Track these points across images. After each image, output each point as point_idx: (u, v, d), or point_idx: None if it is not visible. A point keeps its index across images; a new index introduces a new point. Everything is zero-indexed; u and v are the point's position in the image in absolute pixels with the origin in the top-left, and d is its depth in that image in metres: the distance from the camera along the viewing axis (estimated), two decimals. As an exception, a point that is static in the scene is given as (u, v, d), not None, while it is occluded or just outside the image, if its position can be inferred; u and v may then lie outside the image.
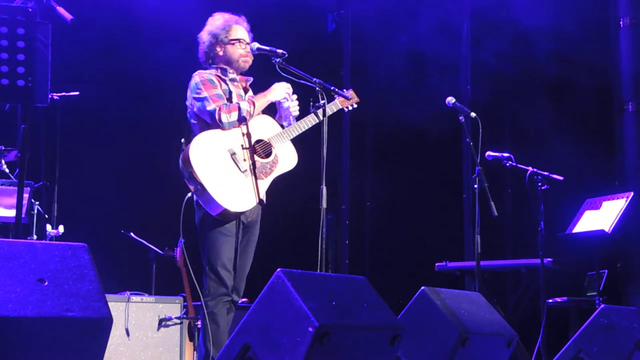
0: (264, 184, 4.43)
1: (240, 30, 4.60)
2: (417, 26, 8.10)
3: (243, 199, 4.33)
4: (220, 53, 4.56)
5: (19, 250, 2.77)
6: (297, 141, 4.63)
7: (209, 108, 4.36)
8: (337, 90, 4.49)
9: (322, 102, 4.32)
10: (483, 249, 5.33)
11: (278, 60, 4.37)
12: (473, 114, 5.39)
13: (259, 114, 4.52)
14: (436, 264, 6.98)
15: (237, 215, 4.36)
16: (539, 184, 5.74)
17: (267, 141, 4.51)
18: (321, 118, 4.39)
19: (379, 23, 8.58)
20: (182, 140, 4.50)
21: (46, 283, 2.73)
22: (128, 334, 5.99)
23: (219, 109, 4.34)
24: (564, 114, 7.73)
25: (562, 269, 6.37)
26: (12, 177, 5.95)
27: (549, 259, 6.07)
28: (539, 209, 5.69)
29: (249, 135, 4.42)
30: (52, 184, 6.27)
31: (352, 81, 8.69)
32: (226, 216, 4.32)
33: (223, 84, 4.50)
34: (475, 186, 5.31)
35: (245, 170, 4.35)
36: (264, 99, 4.52)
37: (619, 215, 5.72)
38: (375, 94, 8.54)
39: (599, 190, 6.25)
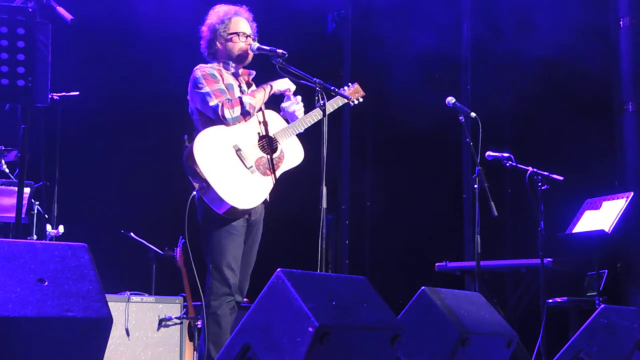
0: (271, 180, 4.37)
1: (241, 22, 4.53)
2: (417, 26, 8.10)
3: (249, 196, 4.27)
4: (220, 48, 4.51)
5: (19, 250, 2.77)
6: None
7: (211, 104, 4.30)
8: (337, 90, 4.48)
9: (322, 102, 4.30)
10: (483, 249, 5.33)
11: (278, 60, 4.35)
12: (473, 114, 5.39)
13: (262, 107, 4.47)
14: (436, 264, 6.98)
15: (244, 213, 4.32)
16: (539, 184, 5.74)
17: (273, 137, 4.45)
18: (326, 113, 4.38)
19: (379, 23, 8.58)
20: (185, 137, 4.45)
21: (46, 283, 2.73)
22: (128, 334, 5.99)
23: (222, 105, 4.27)
24: (564, 113, 7.73)
25: (562, 269, 6.37)
26: (12, 177, 5.95)
27: (549, 259, 6.07)
28: (539, 209, 5.69)
29: (265, 123, 4.37)
30: (52, 184, 6.27)
31: (352, 81, 8.67)
32: (233, 214, 4.25)
33: (225, 78, 4.44)
34: (475, 186, 5.31)
35: (251, 167, 4.30)
36: (265, 91, 4.46)
37: (619, 215, 5.72)
38: (375, 94, 8.54)
39: (599, 190, 6.25)
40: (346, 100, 4.66)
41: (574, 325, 6.40)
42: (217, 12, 4.56)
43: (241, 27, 4.52)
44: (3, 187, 5.87)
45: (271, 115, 4.52)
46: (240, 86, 4.51)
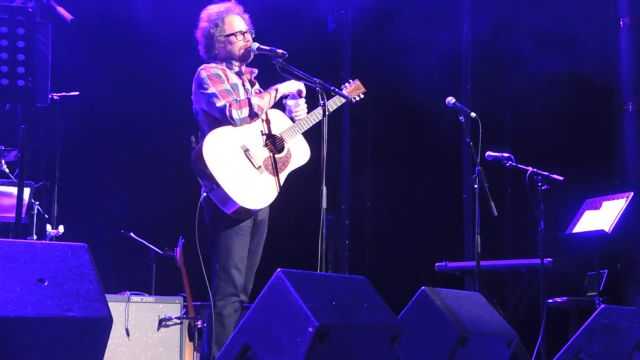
0: (280, 179, 4.36)
1: (235, 20, 4.47)
2: (417, 26, 8.10)
3: (259, 196, 4.26)
4: (220, 50, 4.47)
5: (19, 250, 2.77)
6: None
7: (218, 104, 4.27)
8: (337, 90, 4.48)
9: (322, 102, 4.30)
10: (483, 249, 5.32)
11: (278, 60, 4.34)
12: (473, 114, 5.39)
13: (268, 105, 4.44)
14: (436, 264, 6.98)
15: (252, 214, 4.31)
16: (539, 184, 5.73)
17: (280, 136, 4.44)
18: (330, 110, 4.37)
19: (379, 23, 8.58)
20: (192, 138, 4.43)
21: (46, 283, 2.73)
22: (128, 334, 5.99)
23: (230, 105, 4.24)
24: (564, 113, 7.73)
25: (562, 269, 6.37)
26: (12, 177, 5.95)
27: (549, 259, 6.07)
28: (539, 209, 5.69)
29: (271, 122, 4.36)
30: (52, 184, 6.27)
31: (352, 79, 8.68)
32: (241, 214, 4.25)
33: (230, 77, 4.41)
34: (475, 186, 5.31)
35: (260, 167, 4.29)
36: (271, 95, 4.42)
37: (619, 215, 5.72)
38: (375, 94, 8.54)
39: (599, 190, 6.25)
40: (348, 97, 4.66)
41: (574, 325, 6.40)
42: (209, 15, 4.49)
43: (236, 26, 4.46)
44: (3, 187, 5.87)
45: (277, 115, 4.51)
46: (244, 85, 4.50)
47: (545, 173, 5.78)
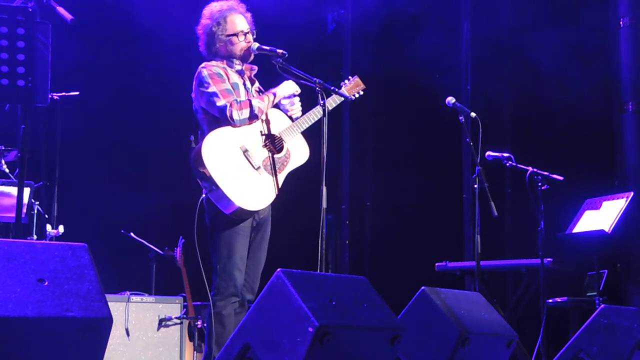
0: (279, 179, 4.36)
1: (238, 20, 4.46)
2: (416, 26, 8.10)
3: (258, 197, 4.27)
4: (221, 49, 4.46)
5: (19, 250, 2.77)
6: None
7: (218, 104, 4.27)
8: (337, 90, 4.48)
9: (322, 101, 4.29)
10: (483, 249, 5.32)
11: (278, 60, 4.34)
12: (473, 114, 5.39)
13: (267, 108, 4.43)
14: (436, 264, 6.98)
15: (252, 214, 4.31)
16: (539, 184, 5.73)
17: (279, 135, 4.44)
18: (329, 109, 4.37)
19: (378, 23, 8.58)
20: (191, 138, 4.43)
21: (46, 283, 2.73)
22: (128, 334, 5.99)
23: (230, 106, 4.24)
24: (564, 113, 7.73)
25: (562, 269, 6.37)
26: (12, 177, 5.95)
27: (549, 259, 6.07)
28: (539, 209, 5.69)
29: (270, 122, 4.36)
30: (52, 184, 6.27)
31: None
32: (240, 215, 4.25)
33: (231, 76, 4.41)
34: (475, 186, 5.31)
35: (259, 167, 4.30)
36: (269, 99, 4.42)
37: (619, 215, 5.72)
38: (375, 94, 8.54)
39: (599, 190, 6.25)
40: (347, 95, 4.67)
41: (574, 325, 6.40)
42: (211, 12, 4.48)
43: (239, 26, 4.46)
44: (3, 187, 5.87)
45: (276, 114, 4.51)
46: (244, 84, 4.49)
47: (545, 173, 5.77)
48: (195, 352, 6.24)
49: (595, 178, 7.15)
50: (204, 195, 4.31)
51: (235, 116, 4.26)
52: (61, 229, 6.09)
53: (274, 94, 4.47)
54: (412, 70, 8.09)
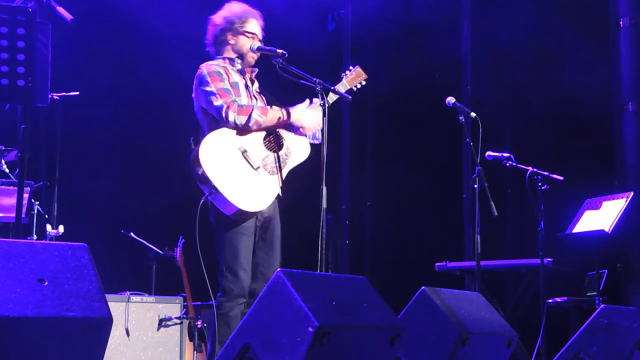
0: (281, 177, 4.35)
1: (256, 26, 4.50)
2: (416, 26, 8.10)
3: (258, 197, 4.25)
4: (231, 41, 4.46)
5: (19, 250, 2.77)
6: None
7: (215, 103, 4.25)
8: (337, 90, 4.47)
9: (322, 102, 4.29)
10: (483, 249, 5.32)
11: (278, 60, 4.33)
12: (473, 114, 5.39)
13: (267, 125, 4.36)
14: (436, 264, 6.98)
15: (254, 214, 4.29)
16: (539, 184, 5.73)
17: (279, 133, 4.41)
18: (329, 103, 4.35)
19: (379, 23, 8.58)
20: (192, 139, 4.41)
21: (46, 283, 2.73)
22: (128, 334, 5.99)
23: (227, 107, 4.22)
24: (564, 113, 7.73)
25: (562, 269, 6.37)
26: (12, 177, 5.95)
27: (549, 259, 6.07)
28: (539, 209, 5.69)
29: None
30: (52, 184, 6.26)
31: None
32: (242, 216, 4.24)
33: (231, 75, 4.39)
34: (475, 186, 5.31)
35: (258, 167, 4.28)
36: (282, 116, 4.36)
37: (619, 215, 5.72)
38: (375, 94, 8.54)
39: (599, 190, 6.25)
40: (348, 87, 4.67)
41: (574, 325, 6.40)
42: (235, 8, 4.51)
43: (255, 30, 4.50)
44: (3, 187, 5.87)
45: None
46: (245, 84, 4.48)
47: (545, 173, 5.77)
48: (195, 352, 6.24)
49: (595, 178, 7.15)
50: (203, 199, 4.31)
51: (231, 118, 4.23)
52: (61, 229, 6.09)
53: (288, 114, 4.41)
54: (412, 70, 8.09)
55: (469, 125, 5.49)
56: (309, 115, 4.45)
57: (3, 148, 5.92)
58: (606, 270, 6.50)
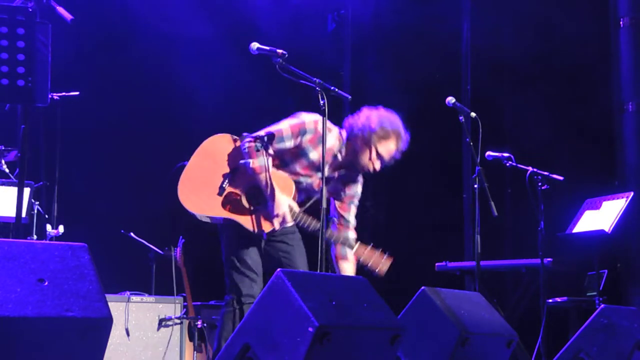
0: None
1: (391, 147, 4.49)
2: (416, 26, 8.10)
3: (200, 202, 4.30)
4: (357, 147, 4.44)
5: (19, 250, 2.77)
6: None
7: (267, 129, 4.25)
8: (337, 90, 4.47)
9: (322, 101, 4.28)
10: (483, 249, 5.32)
11: (278, 60, 4.32)
12: (473, 114, 5.38)
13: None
14: (436, 264, 6.98)
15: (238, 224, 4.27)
16: (539, 184, 5.73)
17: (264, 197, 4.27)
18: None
19: (378, 23, 8.58)
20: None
21: (46, 283, 2.73)
22: (128, 334, 5.99)
23: (253, 139, 4.19)
24: (564, 113, 7.73)
25: (562, 269, 6.37)
26: (12, 177, 5.95)
27: (549, 259, 6.07)
28: (539, 209, 5.69)
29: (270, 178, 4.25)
30: (52, 184, 6.27)
31: (352, 81, 8.69)
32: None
33: (313, 149, 4.34)
34: (475, 186, 5.30)
35: (223, 192, 4.28)
36: (265, 177, 4.23)
37: (619, 215, 5.72)
38: (375, 94, 8.54)
39: (599, 190, 6.25)
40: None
41: (574, 325, 6.40)
42: (388, 123, 4.49)
43: (385, 151, 4.47)
44: (3, 187, 5.87)
45: (281, 178, 4.35)
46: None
47: (545, 173, 5.77)
48: (195, 352, 6.24)
49: (595, 178, 7.14)
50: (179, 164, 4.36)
51: (243, 143, 4.23)
52: (61, 229, 6.10)
53: (266, 185, 4.22)
54: (412, 70, 8.08)
55: (469, 125, 5.49)
56: (283, 202, 4.25)
57: (3, 148, 5.92)
58: (606, 270, 6.50)
